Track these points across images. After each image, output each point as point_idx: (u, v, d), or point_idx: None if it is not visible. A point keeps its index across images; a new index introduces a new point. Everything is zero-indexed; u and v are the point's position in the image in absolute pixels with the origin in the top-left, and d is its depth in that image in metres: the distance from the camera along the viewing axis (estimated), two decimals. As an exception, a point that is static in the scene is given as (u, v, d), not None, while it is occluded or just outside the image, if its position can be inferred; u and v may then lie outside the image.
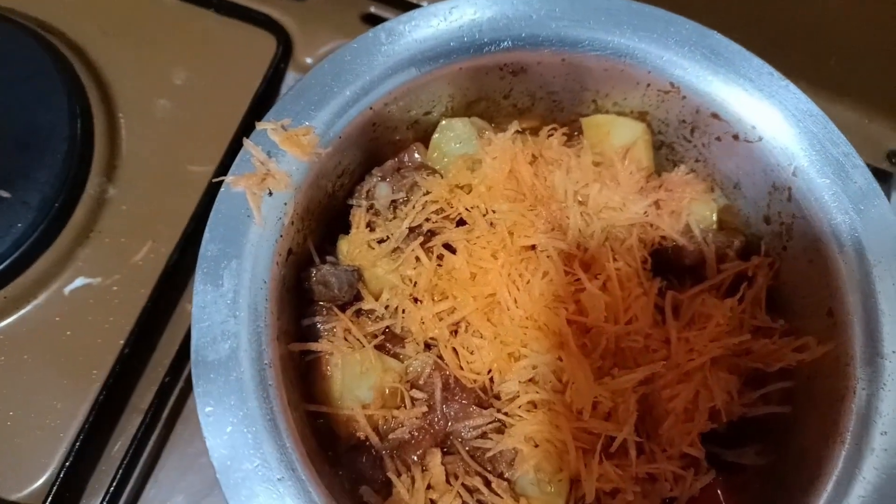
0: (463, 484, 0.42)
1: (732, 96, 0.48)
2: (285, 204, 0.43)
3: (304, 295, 0.47)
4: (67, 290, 0.56)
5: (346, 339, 0.46)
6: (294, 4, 0.70)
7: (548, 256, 0.46)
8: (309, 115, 0.45)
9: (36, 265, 0.55)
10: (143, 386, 0.55)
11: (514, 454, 0.44)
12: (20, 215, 0.55)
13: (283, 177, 0.43)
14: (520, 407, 0.44)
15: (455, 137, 0.52)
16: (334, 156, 0.46)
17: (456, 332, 0.47)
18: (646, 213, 0.50)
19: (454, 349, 0.46)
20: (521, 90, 0.53)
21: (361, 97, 0.45)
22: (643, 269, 0.48)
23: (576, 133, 0.56)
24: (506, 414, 0.44)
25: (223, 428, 0.37)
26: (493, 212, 0.49)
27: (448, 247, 0.48)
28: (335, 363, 0.45)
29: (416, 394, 0.45)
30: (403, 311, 0.47)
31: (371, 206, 0.50)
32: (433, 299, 0.47)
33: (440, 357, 0.46)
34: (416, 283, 0.47)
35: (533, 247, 0.48)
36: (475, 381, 0.45)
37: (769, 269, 0.49)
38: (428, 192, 0.49)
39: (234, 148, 0.61)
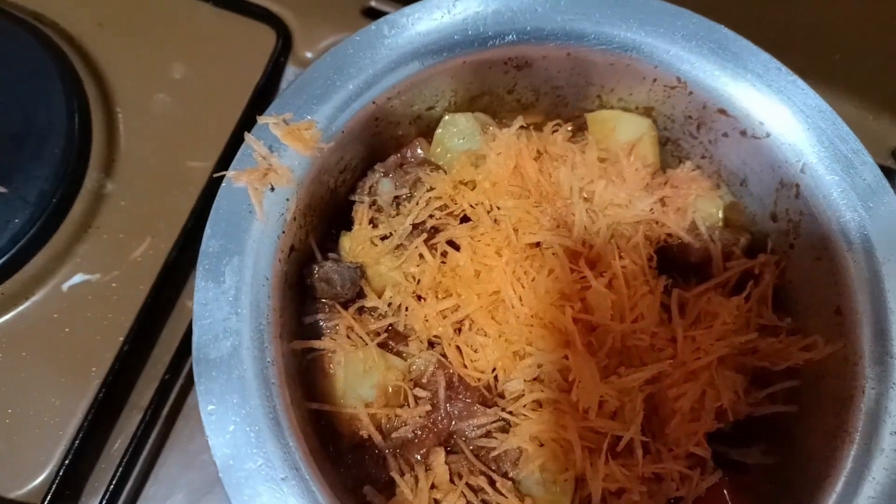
0: (467, 483, 0.42)
1: (740, 92, 0.47)
2: (287, 199, 0.42)
3: (306, 292, 0.47)
4: (66, 286, 0.55)
5: (348, 337, 0.46)
6: (294, -3, 0.69)
7: (553, 254, 0.46)
8: (311, 110, 0.44)
9: (34, 261, 0.54)
10: (143, 383, 0.55)
11: (518, 453, 0.43)
12: (17, 211, 0.54)
13: (286, 172, 0.42)
14: (525, 406, 0.44)
15: (458, 133, 0.52)
16: (336, 151, 0.45)
17: (460, 330, 0.46)
18: (651, 210, 0.50)
19: (458, 347, 0.46)
20: (525, 85, 0.53)
21: (364, 91, 0.45)
22: (649, 266, 0.48)
23: (580, 129, 0.55)
24: (510, 413, 0.44)
25: (225, 426, 0.36)
26: (498, 208, 0.48)
27: (452, 244, 0.48)
28: (338, 361, 0.45)
29: (420, 392, 0.45)
30: (407, 309, 0.46)
31: (373, 203, 0.49)
32: (437, 297, 0.46)
33: (444, 355, 0.46)
34: (419, 280, 0.47)
35: (538, 244, 0.47)
36: (479, 379, 0.45)
37: (776, 267, 0.49)
38: (431, 189, 0.48)
39: (234, 143, 0.61)
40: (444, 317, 0.46)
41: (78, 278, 0.55)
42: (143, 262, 0.56)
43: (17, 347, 0.53)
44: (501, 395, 0.45)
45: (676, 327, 0.45)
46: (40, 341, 0.53)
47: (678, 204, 0.51)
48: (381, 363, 0.44)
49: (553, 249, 0.46)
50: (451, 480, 0.42)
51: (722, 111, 0.48)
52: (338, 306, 0.47)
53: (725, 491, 0.44)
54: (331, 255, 0.49)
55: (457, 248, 0.48)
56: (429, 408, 0.44)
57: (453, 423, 0.45)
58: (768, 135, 0.47)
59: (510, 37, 0.47)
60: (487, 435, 0.44)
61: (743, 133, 0.48)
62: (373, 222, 0.49)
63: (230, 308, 0.38)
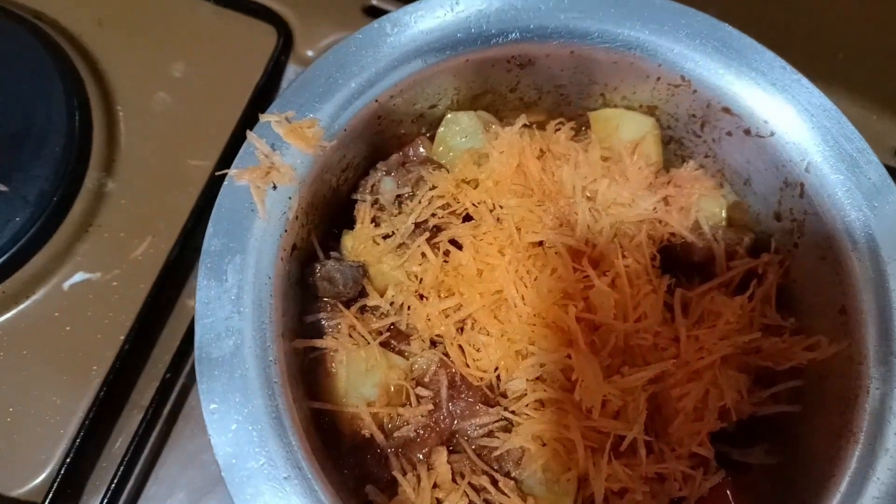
0: (469, 483, 0.42)
1: (744, 90, 0.47)
2: (290, 198, 0.42)
3: (308, 291, 0.47)
4: (66, 285, 0.55)
5: (350, 336, 0.45)
6: (295, -4, 0.68)
7: (556, 253, 0.46)
8: (313, 108, 0.44)
9: (34, 260, 0.54)
10: (144, 382, 0.55)
11: (521, 453, 0.43)
12: (18, 210, 0.54)
13: (288, 170, 0.42)
14: (527, 405, 0.43)
15: (461, 131, 0.51)
16: (339, 149, 0.45)
17: (462, 329, 0.46)
18: (655, 209, 0.49)
19: (460, 346, 0.45)
20: (528, 83, 0.52)
21: (367, 89, 0.45)
22: (652, 266, 0.47)
23: (583, 127, 0.55)
24: (513, 412, 0.44)
25: (228, 425, 0.36)
26: (501, 207, 0.48)
27: (454, 243, 0.48)
28: (340, 360, 0.45)
29: (422, 391, 0.45)
30: (409, 308, 0.46)
31: (376, 201, 0.49)
32: (439, 296, 0.46)
33: (446, 354, 0.45)
34: (421, 279, 0.47)
35: (541, 243, 0.47)
36: (482, 378, 0.45)
37: (779, 267, 0.49)
38: (434, 187, 0.48)
39: (234, 142, 0.61)
40: (447, 316, 0.46)
41: (79, 277, 0.55)
42: (143, 261, 0.56)
43: (17, 346, 0.53)
44: (504, 395, 0.45)
45: (679, 327, 0.45)
46: (41, 340, 0.53)
47: (681, 203, 0.51)
48: (383, 362, 0.44)
49: (556, 248, 0.46)
50: (454, 480, 0.42)
51: (726, 110, 0.48)
52: (340, 305, 0.47)
53: (728, 491, 0.44)
54: (333, 253, 0.49)
55: (459, 246, 0.47)
56: (431, 407, 0.44)
57: (455, 422, 0.44)
58: (773, 133, 0.47)
59: (513, 35, 0.47)
60: (490, 434, 0.44)
61: (747, 132, 0.48)
62: (375, 221, 0.49)
63: (232, 307, 0.38)
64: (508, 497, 0.41)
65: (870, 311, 0.42)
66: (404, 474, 0.42)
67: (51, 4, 0.64)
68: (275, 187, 0.42)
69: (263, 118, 0.43)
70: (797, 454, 0.44)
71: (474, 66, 0.49)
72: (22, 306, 0.54)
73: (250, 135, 0.43)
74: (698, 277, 0.50)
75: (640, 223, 0.49)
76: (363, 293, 0.47)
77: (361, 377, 0.44)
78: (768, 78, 0.47)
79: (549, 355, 0.44)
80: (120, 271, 0.55)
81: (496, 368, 0.45)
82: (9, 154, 0.55)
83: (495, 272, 0.45)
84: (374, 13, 0.69)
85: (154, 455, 0.54)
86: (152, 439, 0.53)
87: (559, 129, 0.53)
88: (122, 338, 0.53)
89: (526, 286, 0.45)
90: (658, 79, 0.49)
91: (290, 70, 0.67)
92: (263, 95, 0.63)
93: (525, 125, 0.52)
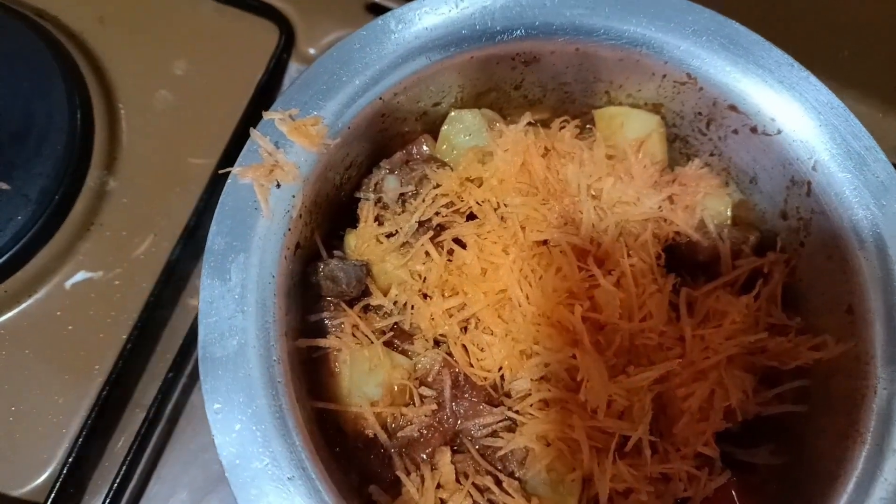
0: (473, 483, 0.42)
1: (751, 88, 0.46)
2: (293, 196, 0.42)
3: (312, 290, 0.46)
4: (68, 284, 0.55)
5: (354, 336, 0.45)
6: (297, -7, 0.68)
7: (560, 252, 0.45)
8: (317, 105, 0.43)
9: (36, 259, 0.54)
10: (146, 381, 0.54)
11: (525, 453, 0.43)
12: (19, 208, 0.53)
13: (292, 168, 0.42)
14: (531, 405, 0.43)
15: (464, 129, 0.51)
16: (342, 147, 0.45)
17: (466, 328, 0.46)
18: (660, 207, 0.49)
19: (464, 346, 0.45)
20: (533, 81, 0.52)
21: (371, 87, 0.44)
22: (657, 265, 0.47)
23: (587, 125, 0.55)
24: (517, 412, 0.44)
25: (231, 426, 0.36)
26: (505, 206, 0.48)
27: (458, 241, 0.47)
28: (343, 360, 0.44)
29: (425, 391, 0.44)
30: (412, 307, 0.46)
31: (379, 200, 0.49)
32: (443, 295, 0.46)
33: (450, 354, 0.45)
34: (425, 278, 0.46)
35: (545, 242, 0.47)
36: (485, 378, 0.45)
37: (785, 266, 0.48)
38: (438, 186, 0.48)
39: (236, 140, 0.60)
40: (451, 315, 0.45)
41: (80, 276, 0.55)
42: (145, 260, 0.56)
43: (19, 345, 0.53)
44: (508, 395, 0.45)
45: (685, 326, 0.45)
46: (43, 339, 0.53)
47: (686, 202, 0.50)
48: (387, 362, 0.44)
49: (561, 247, 0.46)
50: (457, 480, 0.42)
51: (732, 107, 0.48)
52: (343, 304, 0.46)
53: (734, 491, 0.44)
54: (336, 252, 0.48)
55: (463, 245, 0.47)
56: (434, 407, 0.44)
57: (459, 422, 0.44)
58: (779, 131, 0.46)
59: (518, 32, 0.46)
60: (494, 434, 0.44)
61: (753, 130, 0.48)
62: (378, 220, 0.48)
63: (236, 306, 0.38)
64: (512, 497, 0.41)
65: (877, 310, 0.41)
66: (408, 474, 0.42)
67: (52, 2, 0.64)
68: (278, 185, 0.41)
69: (267, 116, 0.43)
70: (803, 455, 0.44)
71: (479, 64, 0.48)
72: (24, 305, 0.54)
73: (254, 132, 0.42)
74: (703, 276, 0.50)
75: (646, 222, 0.49)
76: (366, 292, 0.47)
77: (365, 377, 0.44)
78: (775, 75, 0.46)
79: (553, 355, 0.43)
80: (122, 270, 0.55)
81: (500, 368, 0.45)
82: (10, 152, 0.55)
83: (499, 271, 0.45)
84: (377, 10, 0.69)
85: (156, 454, 0.54)
86: (154, 438, 0.53)
87: (564, 127, 0.52)
88: (124, 337, 0.53)
89: (530, 285, 0.45)
90: (664, 76, 0.49)
91: (293, 68, 0.67)
92: (265, 93, 0.63)
93: (529, 123, 0.52)
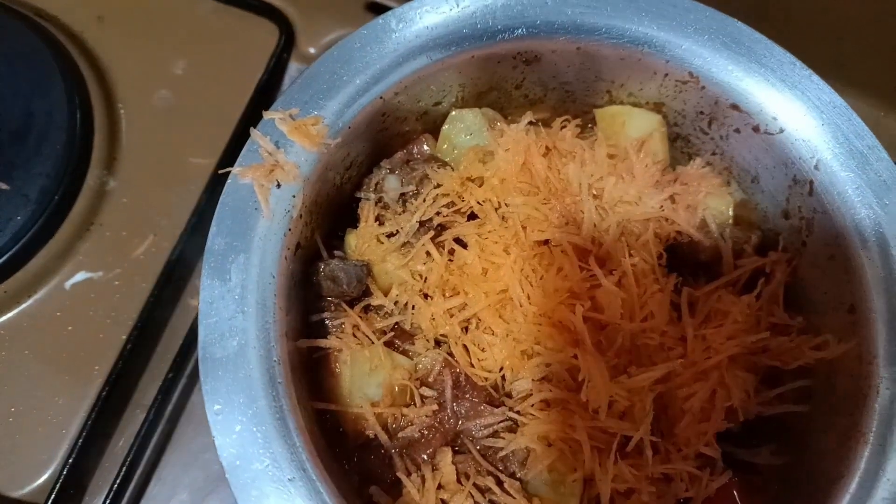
0: (474, 483, 0.41)
1: (753, 86, 0.46)
2: (293, 196, 0.42)
3: (312, 290, 0.46)
4: (68, 284, 0.55)
5: (354, 336, 0.45)
6: (297, -8, 0.68)
7: (562, 251, 0.45)
8: (318, 105, 0.43)
9: (36, 259, 0.54)
10: (146, 382, 0.54)
11: (526, 453, 0.43)
12: (19, 208, 0.53)
13: (292, 168, 0.41)
14: (533, 405, 0.43)
15: (465, 129, 0.51)
16: (343, 147, 0.45)
17: (467, 328, 0.46)
18: (661, 207, 0.49)
19: (465, 346, 0.45)
20: (534, 80, 0.52)
21: (371, 86, 0.44)
22: (658, 264, 0.47)
23: (588, 125, 0.55)
24: (518, 412, 0.43)
25: (232, 427, 0.36)
26: (506, 205, 0.47)
27: (459, 241, 0.47)
28: (344, 360, 0.44)
29: (426, 391, 0.44)
30: (413, 307, 0.46)
31: (380, 200, 0.49)
32: (444, 295, 0.46)
33: (450, 354, 0.45)
34: (426, 278, 0.46)
35: (546, 241, 0.46)
36: (486, 378, 0.45)
37: (787, 265, 0.48)
38: (439, 185, 0.48)
39: (236, 140, 0.60)
40: (451, 315, 0.45)
41: (80, 276, 0.55)
42: (145, 260, 0.56)
43: (19, 346, 0.53)
44: (509, 395, 0.45)
45: (687, 326, 0.45)
46: (43, 340, 0.53)
47: (688, 201, 0.50)
48: (388, 362, 0.44)
49: (562, 247, 0.46)
50: (459, 480, 0.42)
51: (734, 106, 0.47)
52: (344, 304, 0.46)
53: (735, 492, 0.44)
54: (337, 252, 0.48)
55: (464, 245, 0.47)
56: (435, 407, 0.44)
57: (460, 422, 0.44)
58: (782, 130, 0.46)
59: (519, 31, 0.46)
60: (495, 435, 0.44)
61: (755, 129, 0.47)
62: (379, 220, 0.48)
63: (236, 307, 0.38)
64: (514, 498, 0.41)
65: (879, 310, 0.41)
66: (409, 475, 0.42)
67: (52, 2, 0.64)
68: (279, 185, 0.41)
69: (267, 115, 0.43)
70: (805, 455, 0.44)
71: (480, 63, 0.48)
72: (23, 306, 0.54)
73: (254, 132, 0.42)
74: (705, 276, 0.49)
75: (647, 221, 0.48)
76: (367, 292, 0.47)
77: (365, 377, 0.43)
78: (777, 74, 0.46)
79: (555, 355, 0.43)
80: (122, 270, 0.55)
81: (501, 368, 0.45)
82: (10, 152, 0.55)
83: (500, 271, 0.45)
84: (377, 9, 0.69)
85: (157, 455, 0.54)
86: (155, 439, 0.53)
87: (565, 127, 0.52)
88: (124, 337, 0.53)
89: (531, 285, 0.45)
90: (666, 75, 0.49)
91: (292, 67, 0.66)
92: (265, 93, 0.63)
93: (531, 122, 0.51)
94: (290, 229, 0.41)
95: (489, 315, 0.45)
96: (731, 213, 0.52)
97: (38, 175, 0.54)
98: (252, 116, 0.60)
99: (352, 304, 0.47)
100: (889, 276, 0.41)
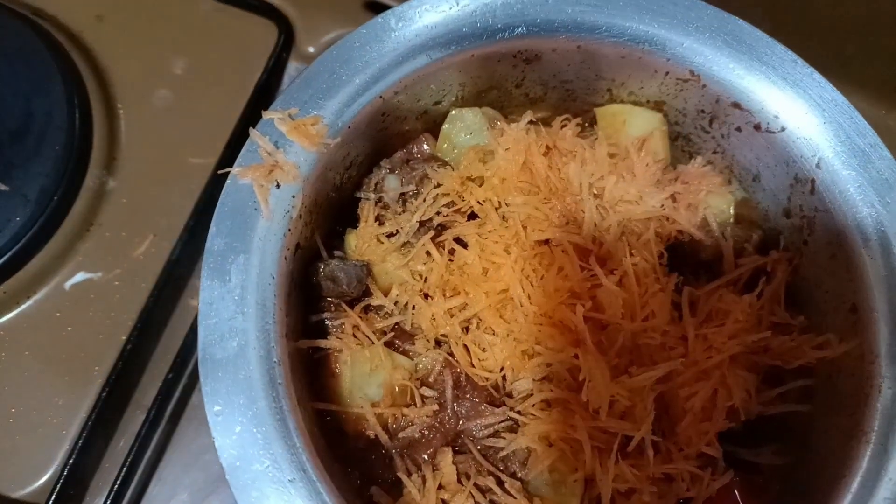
0: (475, 484, 0.41)
1: (755, 85, 0.46)
2: (293, 196, 0.41)
3: (312, 291, 0.46)
4: (68, 284, 0.54)
5: (354, 336, 0.45)
6: (296, -9, 0.68)
7: (563, 251, 0.45)
8: (317, 104, 0.43)
9: (35, 260, 0.54)
10: (146, 382, 0.54)
11: (527, 454, 0.43)
12: (18, 208, 0.53)
13: (292, 168, 0.41)
14: (533, 405, 0.43)
15: (465, 128, 0.51)
16: (342, 147, 0.45)
17: (467, 328, 0.46)
18: (662, 206, 0.49)
19: (465, 346, 0.45)
20: (534, 79, 0.52)
21: (371, 85, 0.44)
22: (659, 264, 0.47)
23: (588, 124, 0.55)
24: (519, 413, 0.43)
25: (232, 428, 0.35)
26: (506, 205, 0.47)
27: (459, 241, 0.47)
28: (344, 360, 0.44)
29: (427, 392, 0.44)
30: (413, 307, 0.46)
31: (380, 200, 0.49)
32: (444, 295, 0.46)
33: (451, 354, 0.45)
34: (426, 278, 0.46)
35: (547, 241, 0.46)
36: (487, 378, 0.45)
37: (789, 264, 0.48)
38: (439, 185, 0.48)
39: (236, 140, 0.60)
40: (452, 315, 0.45)
41: (80, 277, 0.55)
42: (145, 260, 0.55)
43: (19, 346, 0.53)
44: (510, 395, 0.45)
45: (688, 325, 0.45)
46: (43, 340, 0.53)
47: (689, 200, 0.50)
48: (388, 362, 0.44)
49: (562, 247, 0.45)
50: (459, 481, 0.42)
51: (736, 105, 0.47)
52: (344, 305, 0.46)
53: (737, 491, 0.44)
54: (336, 252, 0.48)
55: (464, 245, 0.47)
56: (436, 407, 0.44)
57: (461, 422, 0.44)
58: (783, 129, 0.46)
59: (520, 29, 0.46)
60: (495, 435, 0.44)
61: (757, 127, 0.47)
62: (379, 219, 0.48)
63: (236, 307, 0.38)
64: (514, 498, 0.41)
65: (881, 309, 0.41)
66: (409, 475, 0.42)
67: (51, 1, 0.64)
68: (278, 186, 0.41)
69: (266, 115, 0.42)
70: (807, 454, 0.44)
71: (480, 62, 0.48)
72: (23, 306, 0.54)
73: (253, 132, 0.42)
74: (706, 275, 0.49)
75: (648, 220, 0.48)
76: (367, 292, 0.47)
77: (366, 377, 0.43)
78: (779, 72, 0.46)
79: (555, 355, 0.43)
80: (121, 271, 0.55)
81: (502, 368, 0.44)
82: (9, 152, 0.55)
83: (501, 271, 0.45)
84: (376, 8, 0.68)
85: (157, 455, 0.54)
86: (155, 439, 0.53)
87: (565, 126, 0.52)
88: (124, 338, 0.53)
89: (532, 285, 0.44)
90: (666, 74, 0.49)
91: (292, 67, 0.66)
92: (264, 92, 0.63)
93: (531, 121, 0.51)
94: (289, 229, 0.41)
95: (490, 315, 0.44)
96: (732, 211, 0.52)
97: (38, 175, 0.54)
98: (251, 116, 0.60)
99: (352, 305, 0.47)
100: (891, 275, 0.41)
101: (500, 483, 0.42)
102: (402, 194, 0.48)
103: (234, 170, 0.41)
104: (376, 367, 0.43)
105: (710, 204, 0.51)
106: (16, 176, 0.54)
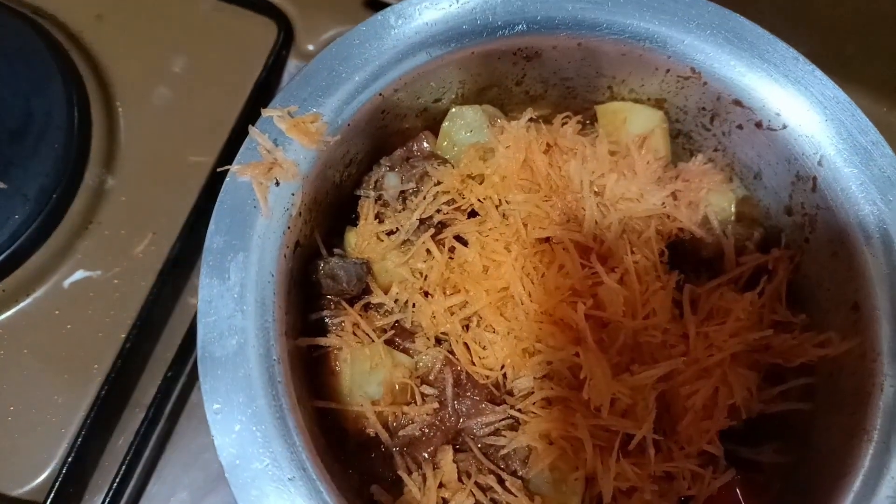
0: (476, 482, 0.41)
1: (756, 82, 0.46)
2: (293, 194, 0.41)
3: (312, 289, 0.46)
4: (67, 282, 0.54)
5: (354, 334, 0.45)
6: (295, -11, 0.68)
7: (563, 249, 0.45)
8: (316, 102, 0.43)
9: (34, 258, 0.54)
10: (146, 380, 0.54)
11: (528, 452, 0.43)
12: (17, 207, 0.53)
13: (291, 166, 0.41)
14: (534, 404, 0.43)
15: (465, 125, 0.51)
16: (342, 144, 0.45)
17: (468, 326, 0.45)
18: (663, 204, 0.49)
19: (466, 344, 0.45)
20: (534, 76, 0.51)
21: (371, 83, 0.44)
22: (660, 262, 0.47)
23: (589, 121, 0.54)
24: (519, 411, 0.43)
25: (231, 426, 0.35)
26: (507, 203, 0.47)
27: (460, 239, 0.47)
28: (344, 358, 0.44)
29: (427, 389, 0.44)
30: (414, 305, 0.46)
31: (379, 197, 0.48)
32: (444, 293, 0.46)
33: (451, 352, 0.45)
34: (426, 276, 0.46)
35: (548, 239, 0.46)
36: (488, 376, 0.44)
37: (790, 262, 0.48)
38: (439, 183, 0.47)
39: (235, 137, 0.60)
40: (452, 313, 0.45)
41: (79, 275, 0.55)
42: (144, 259, 0.55)
43: (18, 345, 0.52)
44: (510, 393, 0.45)
45: (689, 324, 0.44)
46: (42, 339, 0.53)
47: (690, 198, 0.50)
48: (388, 360, 0.44)
49: (563, 244, 0.45)
50: (460, 479, 0.42)
51: (737, 102, 0.47)
52: (343, 303, 0.46)
53: (738, 490, 0.43)
54: (336, 250, 0.48)
55: (465, 243, 0.47)
56: (436, 405, 0.43)
57: (461, 420, 0.44)
58: (785, 126, 0.46)
59: (520, 27, 0.46)
60: (496, 433, 0.44)
61: (758, 125, 0.47)
62: (379, 217, 0.48)
63: (235, 305, 0.38)
64: (515, 496, 0.41)
65: (883, 307, 0.41)
66: (410, 473, 0.42)
67: (50, 0, 0.64)
68: (277, 183, 0.41)
69: (266, 113, 0.42)
70: (809, 453, 0.44)
71: (480, 59, 0.48)
72: (22, 305, 0.53)
73: (252, 130, 0.42)
74: (707, 273, 0.49)
75: (649, 218, 0.48)
76: (367, 290, 0.47)
77: (366, 375, 0.43)
78: (781, 69, 0.46)
79: (556, 353, 0.43)
80: (121, 269, 0.55)
81: (502, 366, 0.44)
82: (8, 151, 0.55)
83: (501, 269, 0.45)
84: (375, 6, 0.68)
85: (156, 454, 0.53)
86: (154, 438, 0.53)
87: (566, 123, 0.52)
88: (124, 336, 0.53)
89: (533, 283, 0.44)
90: (667, 71, 0.48)
91: (291, 64, 0.66)
92: (264, 90, 0.63)
93: (531, 119, 0.51)
94: (289, 227, 0.41)
95: (490, 313, 0.44)
96: (733, 209, 0.52)
97: (37, 174, 0.54)
98: (251, 114, 0.60)
99: (352, 303, 0.46)
100: (893, 272, 0.41)
101: (501, 481, 0.42)
102: (402, 192, 0.48)
103: (234, 168, 0.41)
104: (376, 365, 0.43)
105: (711, 202, 0.50)
106: (15, 174, 0.54)
